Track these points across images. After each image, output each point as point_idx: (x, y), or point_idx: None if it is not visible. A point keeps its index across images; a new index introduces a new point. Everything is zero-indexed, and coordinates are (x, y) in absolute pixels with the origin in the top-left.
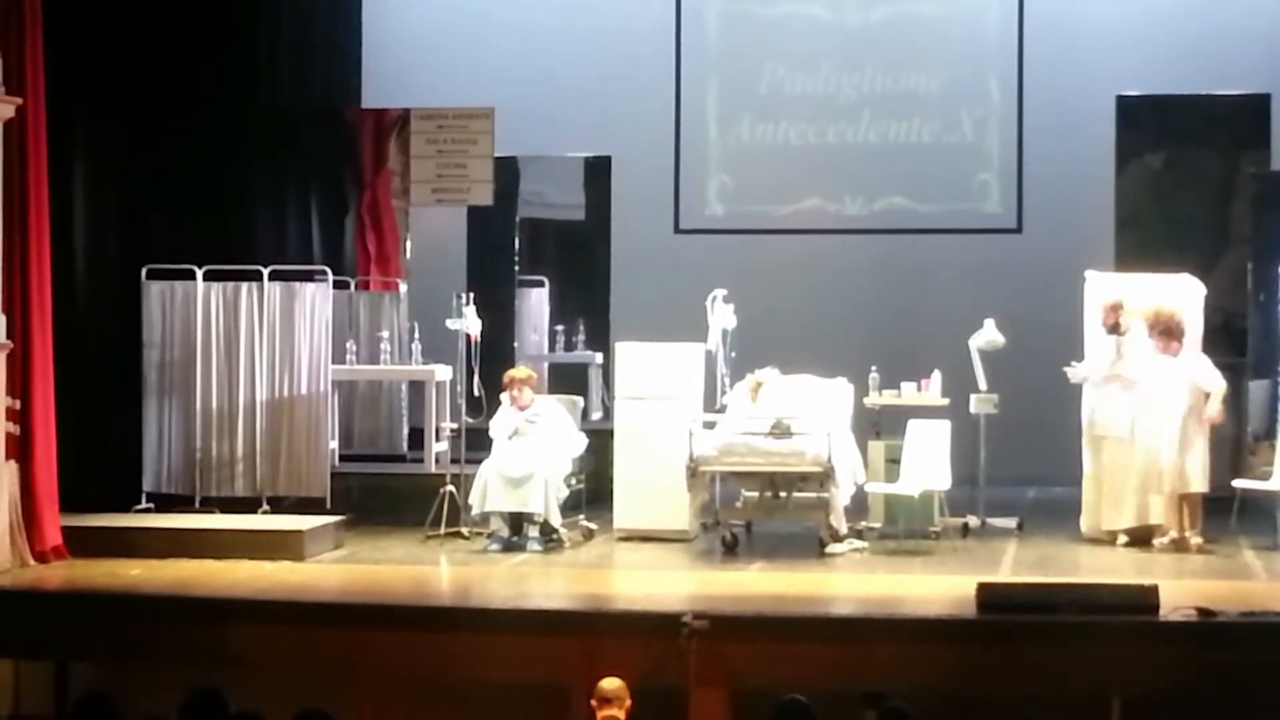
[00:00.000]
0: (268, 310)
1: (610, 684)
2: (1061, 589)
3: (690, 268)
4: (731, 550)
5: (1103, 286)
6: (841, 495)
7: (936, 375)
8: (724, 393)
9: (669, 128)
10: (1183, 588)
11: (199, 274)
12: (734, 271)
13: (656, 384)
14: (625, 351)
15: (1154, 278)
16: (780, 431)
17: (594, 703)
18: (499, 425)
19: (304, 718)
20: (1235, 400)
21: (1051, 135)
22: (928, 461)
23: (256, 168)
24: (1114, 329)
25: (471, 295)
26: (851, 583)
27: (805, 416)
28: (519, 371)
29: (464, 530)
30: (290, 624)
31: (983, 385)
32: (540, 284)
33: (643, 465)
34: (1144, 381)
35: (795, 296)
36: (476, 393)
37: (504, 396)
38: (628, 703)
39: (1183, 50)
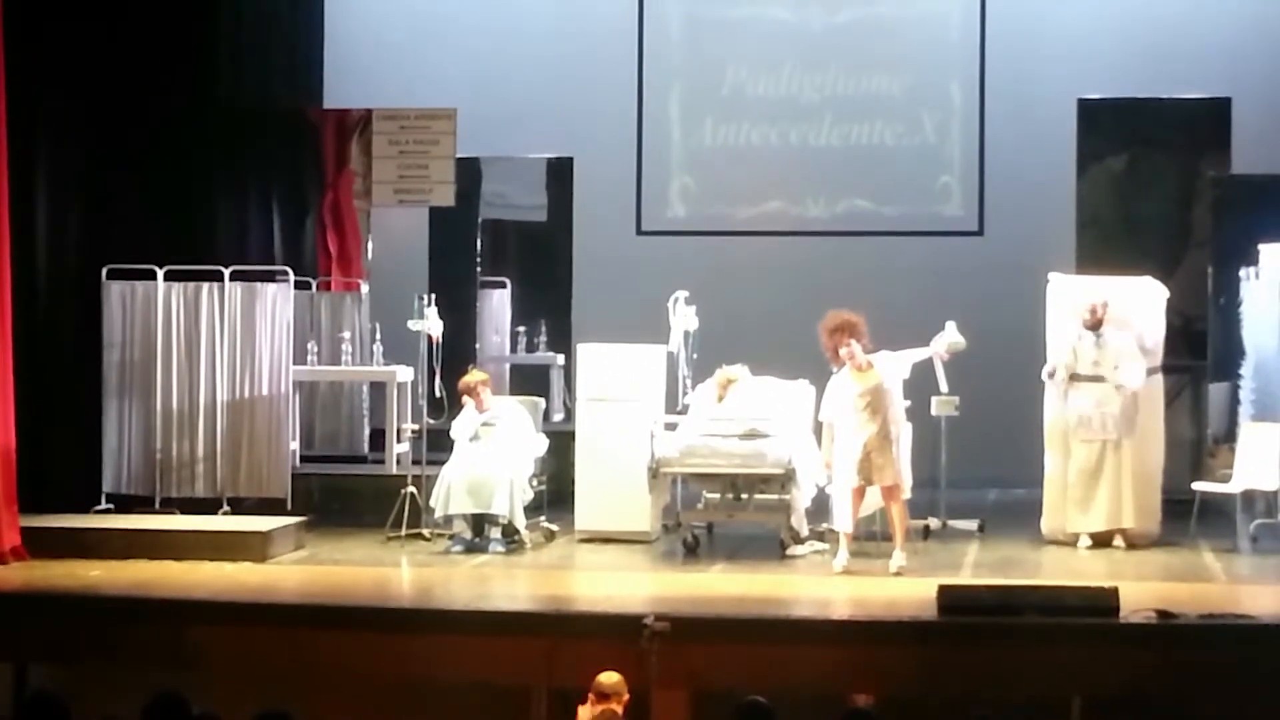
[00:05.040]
0: (229, 310)
1: (608, 678)
2: (1022, 591)
3: (652, 269)
4: (693, 552)
5: (1066, 289)
6: (802, 497)
7: None
8: (685, 394)
9: (631, 129)
10: (1143, 590)
11: (160, 274)
12: (696, 273)
13: (618, 385)
14: (587, 353)
15: (1117, 280)
16: (752, 435)
17: (592, 696)
18: (460, 427)
19: (264, 719)
20: (1195, 403)
21: (1013, 138)
22: None
23: (218, 167)
24: (1096, 326)
25: (433, 296)
26: (812, 585)
27: (772, 418)
28: (474, 376)
29: (425, 531)
30: (251, 625)
31: (944, 387)
32: (502, 285)
33: (604, 467)
34: (1130, 374)
35: (757, 298)
36: (438, 394)
37: (466, 401)
38: (625, 697)
39: (1144, 54)
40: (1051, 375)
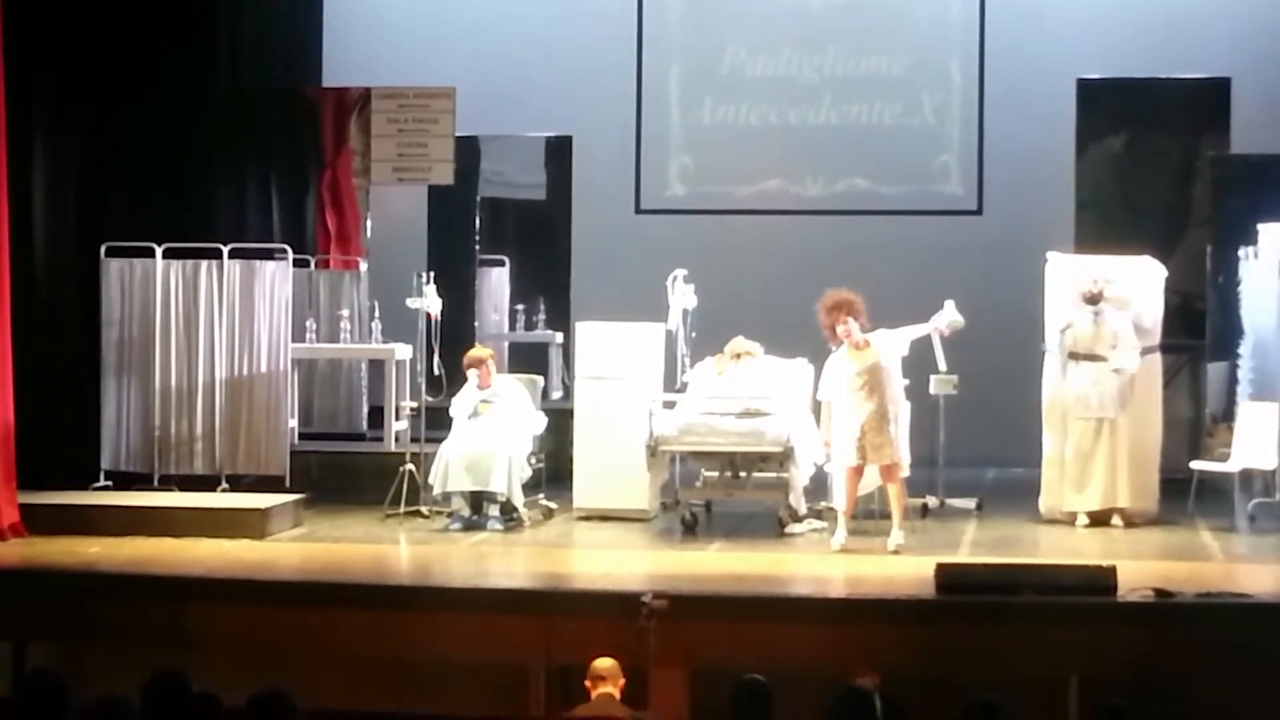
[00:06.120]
0: (227, 288)
1: (603, 663)
2: (1020, 570)
3: (651, 248)
4: (691, 530)
5: (1064, 268)
6: (801, 475)
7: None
8: (684, 372)
9: (630, 108)
10: (1141, 568)
11: (158, 252)
12: (695, 252)
13: (617, 364)
14: (585, 331)
15: (1116, 259)
16: (751, 413)
17: (588, 682)
18: (459, 404)
19: (262, 697)
20: (1193, 382)
21: (1012, 118)
22: None
23: (216, 146)
24: (1094, 300)
25: (432, 274)
26: (810, 563)
27: (771, 397)
28: (481, 351)
29: (423, 509)
30: (249, 603)
31: (942, 366)
32: (501, 263)
33: (603, 445)
34: (1126, 358)
35: (756, 277)
36: (436, 372)
37: (471, 374)
38: (621, 680)
39: (1143, 34)
40: (1064, 332)
